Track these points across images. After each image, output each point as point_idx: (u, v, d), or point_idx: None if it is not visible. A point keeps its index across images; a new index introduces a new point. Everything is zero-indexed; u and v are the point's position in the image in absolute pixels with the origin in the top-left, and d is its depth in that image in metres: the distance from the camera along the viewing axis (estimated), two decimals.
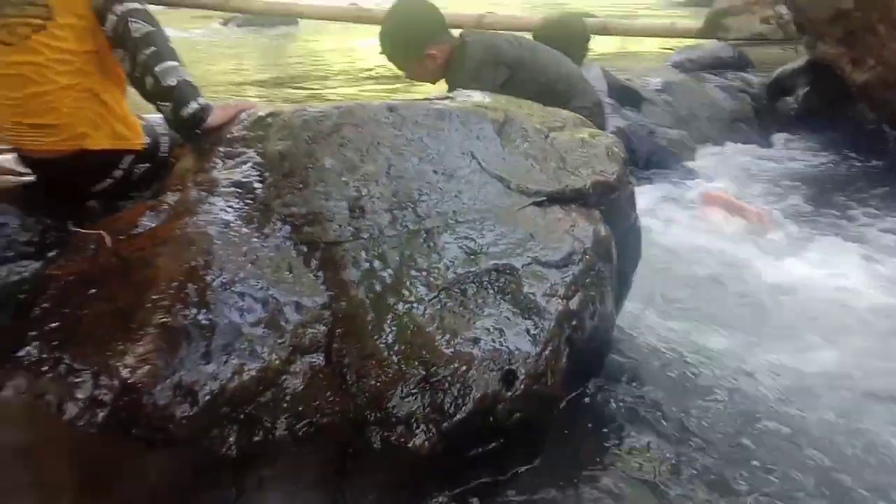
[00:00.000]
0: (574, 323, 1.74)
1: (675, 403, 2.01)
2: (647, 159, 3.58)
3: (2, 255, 1.83)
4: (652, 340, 2.29)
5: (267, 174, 1.80)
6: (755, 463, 1.79)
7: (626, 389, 2.03)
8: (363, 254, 1.68)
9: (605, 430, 1.86)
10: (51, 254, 1.77)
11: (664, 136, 3.94)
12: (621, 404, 1.97)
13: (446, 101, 2.12)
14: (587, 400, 1.93)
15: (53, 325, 1.52)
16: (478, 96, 2.24)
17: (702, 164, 4.02)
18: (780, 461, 1.79)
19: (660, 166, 3.59)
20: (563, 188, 1.98)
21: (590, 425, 1.87)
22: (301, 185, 1.75)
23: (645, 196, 3.36)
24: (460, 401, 1.51)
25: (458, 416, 1.51)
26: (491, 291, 1.70)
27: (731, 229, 3.16)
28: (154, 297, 1.49)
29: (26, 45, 1.88)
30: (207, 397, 1.42)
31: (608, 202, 2.07)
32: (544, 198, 1.94)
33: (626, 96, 4.03)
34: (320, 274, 1.64)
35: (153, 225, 1.71)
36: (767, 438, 1.88)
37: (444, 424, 1.49)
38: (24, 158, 2.05)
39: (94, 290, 1.53)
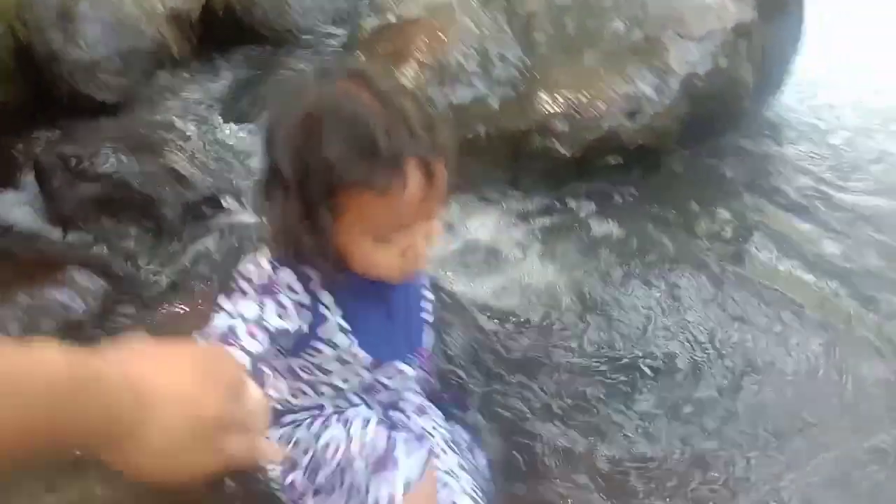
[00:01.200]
0: (699, 84, 2.35)
1: (800, 170, 2.55)
2: None
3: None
4: (797, 117, 2.76)
5: None
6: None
7: (752, 148, 2.61)
8: (550, 22, 2.44)
9: (714, 176, 2.48)
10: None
11: None
12: (742, 157, 2.56)
13: None
14: (710, 150, 2.54)
15: None
16: None
17: None
18: None
19: None
20: None
21: (703, 171, 2.50)
22: None
23: None
24: (595, 125, 2.29)
25: (594, 136, 2.29)
26: (638, 54, 2.37)
27: None
28: (411, 46, 2.44)
29: None
30: (443, 107, 2.37)
31: None
32: None
33: None
34: (520, 35, 2.45)
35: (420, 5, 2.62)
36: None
37: (583, 139, 2.29)
38: None
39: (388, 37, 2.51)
